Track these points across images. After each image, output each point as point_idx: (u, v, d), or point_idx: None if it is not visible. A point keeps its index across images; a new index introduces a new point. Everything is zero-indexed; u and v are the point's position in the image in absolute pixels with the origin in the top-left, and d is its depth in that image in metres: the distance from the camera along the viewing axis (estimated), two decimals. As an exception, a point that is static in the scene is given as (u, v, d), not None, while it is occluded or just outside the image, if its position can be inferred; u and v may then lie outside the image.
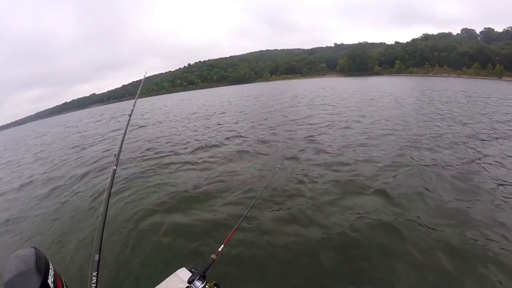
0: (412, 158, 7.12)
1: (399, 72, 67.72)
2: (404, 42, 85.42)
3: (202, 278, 1.70)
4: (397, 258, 3.68)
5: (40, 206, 7.51)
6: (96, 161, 10.56)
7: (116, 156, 2.08)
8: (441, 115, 12.76)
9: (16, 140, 32.03)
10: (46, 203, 7.65)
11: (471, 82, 38.50)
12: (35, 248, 1.53)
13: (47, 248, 5.30)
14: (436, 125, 10.67)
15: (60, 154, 14.03)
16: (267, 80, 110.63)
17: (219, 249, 1.97)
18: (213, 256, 1.89)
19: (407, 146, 8.15)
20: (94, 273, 1.14)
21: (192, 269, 1.81)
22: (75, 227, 5.86)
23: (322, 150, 8.28)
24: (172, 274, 2.34)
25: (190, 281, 1.68)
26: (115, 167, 2.00)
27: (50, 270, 1.49)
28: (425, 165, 6.55)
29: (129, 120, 2.78)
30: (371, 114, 13.98)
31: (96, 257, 1.22)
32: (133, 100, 3.17)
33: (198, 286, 1.66)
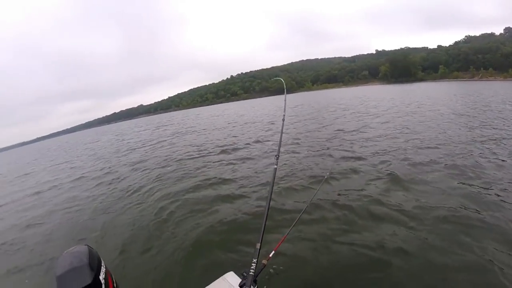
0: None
1: (443, 77, 66.22)
2: (447, 45, 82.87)
3: (254, 282, 1.64)
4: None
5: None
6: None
7: (277, 156, 2.19)
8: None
9: (71, 144, 37.89)
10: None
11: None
12: (88, 246, 1.64)
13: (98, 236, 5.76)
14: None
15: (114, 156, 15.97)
16: (309, 89, 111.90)
17: (270, 255, 1.88)
18: (264, 261, 1.81)
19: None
20: (254, 260, 1.22)
21: (244, 273, 1.73)
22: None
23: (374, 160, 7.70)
24: (220, 278, 2.36)
25: (242, 286, 1.64)
26: (275, 166, 2.12)
27: (102, 267, 1.63)
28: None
29: (283, 124, 2.82)
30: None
31: (258, 245, 1.32)
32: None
33: None
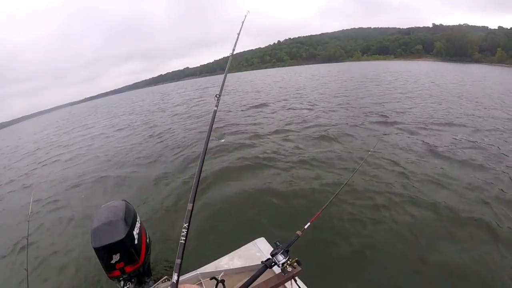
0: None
1: (501, 61, 62.94)
2: (508, 27, 75.72)
3: (285, 253, 1.62)
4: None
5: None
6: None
7: (218, 96, 1.81)
8: None
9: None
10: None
11: None
12: (125, 201, 1.73)
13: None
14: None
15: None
16: (358, 59, 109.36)
17: (305, 227, 1.81)
18: (298, 232, 1.76)
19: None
20: (185, 224, 1.03)
21: (277, 243, 1.69)
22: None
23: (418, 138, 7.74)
24: (251, 242, 2.52)
25: (274, 254, 1.61)
26: (216, 108, 1.78)
27: (137, 223, 1.72)
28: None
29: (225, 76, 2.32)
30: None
31: (190, 206, 1.09)
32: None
33: (280, 260, 1.58)
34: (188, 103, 23.30)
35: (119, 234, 1.75)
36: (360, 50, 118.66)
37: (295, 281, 1.69)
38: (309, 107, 14.12)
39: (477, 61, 70.17)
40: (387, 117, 10.65)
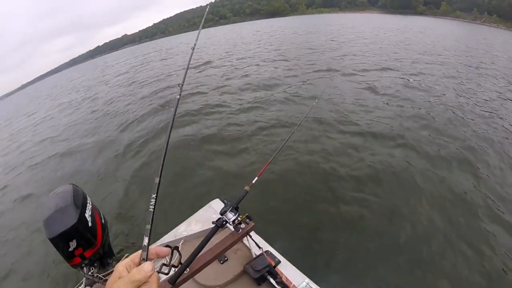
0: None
1: (444, 14, 63.81)
2: None
3: (235, 210, 1.60)
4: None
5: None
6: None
7: (180, 85, 1.78)
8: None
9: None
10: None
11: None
12: (73, 184, 1.76)
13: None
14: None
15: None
16: (303, 13, 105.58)
17: (253, 181, 1.76)
18: (246, 188, 1.72)
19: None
20: (153, 195, 1.00)
21: (225, 201, 1.67)
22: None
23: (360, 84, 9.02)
24: (206, 205, 2.56)
25: (223, 213, 1.58)
26: (178, 96, 1.73)
27: (88, 204, 1.74)
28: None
29: (192, 53, 2.13)
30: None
31: (156, 180, 1.06)
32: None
33: (230, 217, 1.56)
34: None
35: (71, 219, 1.65)
36: (305, 4, 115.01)
37: (250, 236, 1.84)
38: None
39: (422, 13, 70.53)
40: (330, 66, 11.74)
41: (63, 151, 8.09)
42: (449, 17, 61.05)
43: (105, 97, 14.15)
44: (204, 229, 2.31)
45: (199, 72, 14.27)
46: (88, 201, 1.90)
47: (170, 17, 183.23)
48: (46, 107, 19.03)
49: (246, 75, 11.73)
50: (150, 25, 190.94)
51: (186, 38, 56.35)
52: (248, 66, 13.97)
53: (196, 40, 2.15)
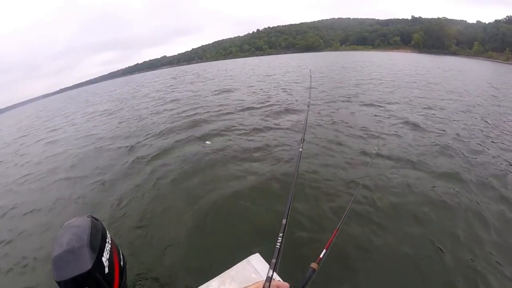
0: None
1: (477, 54, 64.36)
2: (486, 22, 77.89)
3: None
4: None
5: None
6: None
7: (302, 139, 1.95)
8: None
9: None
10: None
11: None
12: (92, 217, 1.52)
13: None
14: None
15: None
16: (336, 49, 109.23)
17: (321, 255, 1.44)
18: (313, 265, 1.37)
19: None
20: (280, 234, 1.09)
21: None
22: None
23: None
24: (244, 260, 2.19)
25: None
26: (301, 150, 1.91)
27: (107, 245, 1.51)
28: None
29: (308, 110, 2.54)
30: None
31: (284, 221, 1.14)
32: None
33: None
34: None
35: (85, 264, 1.42)
36: (339, 40, 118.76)
37: None
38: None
39: (454, 53, 71.30)
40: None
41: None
42: (481, 57, 61.64)
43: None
44: None
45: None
46: (107, 240, 1.71)
47: (208, 44, 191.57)
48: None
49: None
50: (189, 49, 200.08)
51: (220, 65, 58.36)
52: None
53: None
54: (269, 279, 0.91)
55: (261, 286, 0.89)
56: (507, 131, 7.99)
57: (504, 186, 4.94)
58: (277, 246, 1.10)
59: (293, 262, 2.31)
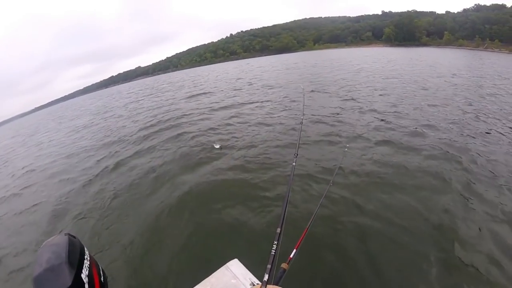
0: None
1: (448, 44, 65.24)
2: (455, 12, 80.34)
3: None
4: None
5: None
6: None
7: (296, 154, 2.09)
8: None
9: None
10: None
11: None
12: (69, 235, 1.47)
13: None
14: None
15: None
16: (310, 49, 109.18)
17: (291, 256, 1.48)
18: (283, 265, 1.39)
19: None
20: (275, 242, 1.09)
21: (254, 285, 1.43)
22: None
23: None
24: (223, 266, 2.19)
25: None
26: (294, 164, 2.03)
27: (85, 261, 1.47)
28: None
29: (301, 126, 2.70)
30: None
31: (278, 229, 1.15)
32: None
33: None
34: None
35: (65, 281, 1.29)
36: (312, 40, 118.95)
37: None
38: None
39: (425, 44, 72.39)
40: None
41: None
42: (452, 46, 62.47)
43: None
44: None
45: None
46: (85, 257, 1.61)
47: (183, 51, 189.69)
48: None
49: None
50: (163, 58, 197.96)
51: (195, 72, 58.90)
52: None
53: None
54: (265, 283, 0.91)
55: None
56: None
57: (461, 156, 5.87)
58: (272, 253, 1.11)
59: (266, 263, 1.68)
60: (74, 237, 1.58)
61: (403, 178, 5.22)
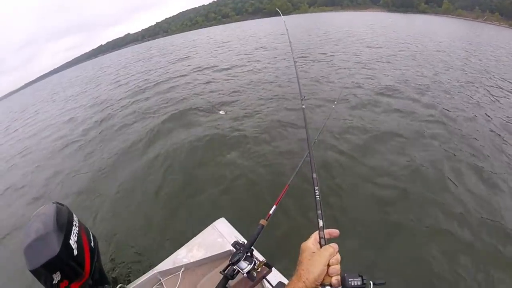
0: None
1: (446, 12, 63.33)
2: None
3: (249, 256, 1.29)
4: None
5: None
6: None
7: (304, 96, 1.85)
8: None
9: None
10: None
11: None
12: (57, 203, 1.56)
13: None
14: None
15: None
16: (305, 12, 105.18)
17: (270, 212, 1.43)
18: (262, 221, 1.37)
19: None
20: (316, 187, 1.03)
21: (236, 245, 1.35)
22: None
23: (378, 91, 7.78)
24: (210, 226, 2.22)
25: (235, 262, 1.26)
26: (303, 106, 1.77)
27: (74, 227, 1.53)
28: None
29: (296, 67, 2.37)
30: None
31: (314, 175, 1.09)
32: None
33: (243, 267, 1.25)
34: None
35: (53, 249, 1.41)
36: (307, 2, 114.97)
37: (267, 281, 1.63)
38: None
39: (423, 11, 70.44)
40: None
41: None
42: (451, 15, 60.44)
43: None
44: (208, 256, 2.03)
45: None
46: (74, 223, 1.67)
47: (173, 16, 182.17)
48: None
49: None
50: (153, 24, 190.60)
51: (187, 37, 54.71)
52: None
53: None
54: (322, 228, 0.90)
55: (317, 235, 0.89)
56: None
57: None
58: (318, 199, 1.02)
59: (249, 220, 2.04)
60: (62, 205, 1.67)
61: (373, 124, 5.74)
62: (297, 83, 2.09)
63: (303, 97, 1.87)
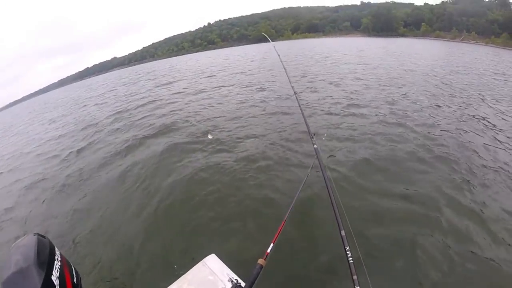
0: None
1: (425, 34, 66.03)
2: (433, 4, 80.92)
3: None
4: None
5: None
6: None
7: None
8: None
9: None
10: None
11: (500, 52, 34.61)
12: (38, 234, 1.39)
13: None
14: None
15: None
16: (288, 38, 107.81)
17: (268, 250, 1.43)
18: (260, 261, 1.35)
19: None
20: (346, 247, 1.01)
21: (233, 281, 1.40)
22: None
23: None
24: (200, 262, 2.12)
25: None
26: (315, 146, 1.81)
27: (56, 262, 1.37)
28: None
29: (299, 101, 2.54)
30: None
31: (343, 233, 1.07)
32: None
33: None
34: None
35: (34, 284, 1.21)
36: (290, 29, 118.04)
37: None
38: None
39: (403, 35, 73.26)
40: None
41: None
42: (430, 37, 62.88)
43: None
44: None
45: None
46: (56, 257, 1.39)
47: (159, 41, 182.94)
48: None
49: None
50: (140, 48, 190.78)
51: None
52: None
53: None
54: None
55: None
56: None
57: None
58: (351, 261, 1.03)
59: (244, 259, 2.23)
60: (44, 237, 1.47)
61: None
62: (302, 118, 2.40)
63: (312, 135, 2.03)
